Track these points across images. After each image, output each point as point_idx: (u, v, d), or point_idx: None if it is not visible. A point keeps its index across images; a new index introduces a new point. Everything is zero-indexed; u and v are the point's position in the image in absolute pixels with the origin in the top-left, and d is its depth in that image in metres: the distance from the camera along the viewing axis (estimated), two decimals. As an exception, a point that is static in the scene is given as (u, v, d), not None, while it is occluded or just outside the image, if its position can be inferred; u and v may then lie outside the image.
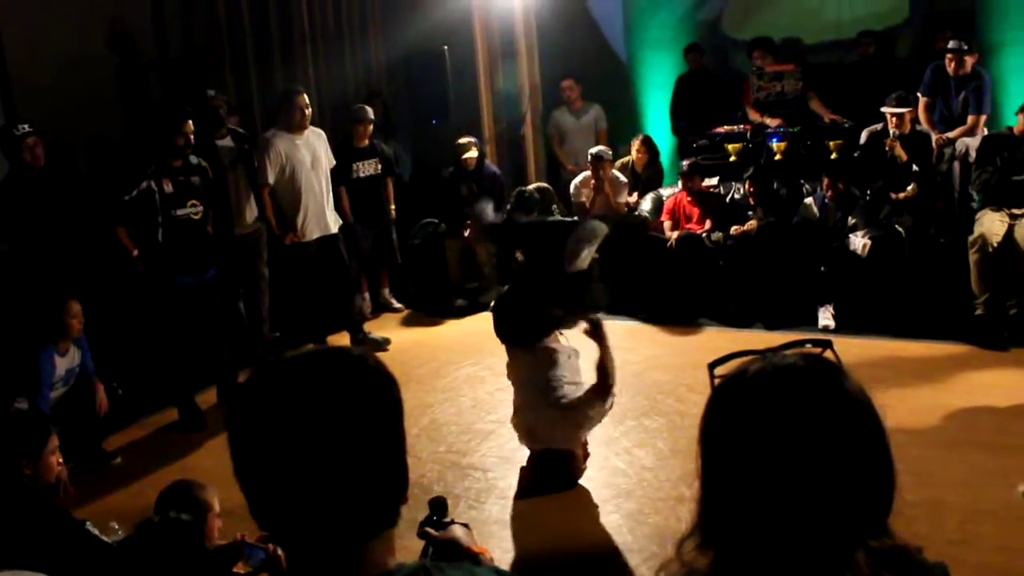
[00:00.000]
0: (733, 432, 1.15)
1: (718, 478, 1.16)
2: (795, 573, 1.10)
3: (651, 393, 5.51)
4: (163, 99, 8.15)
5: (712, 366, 1.41)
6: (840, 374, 1.16)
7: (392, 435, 1.18)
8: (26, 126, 5.56)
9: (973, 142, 6.67)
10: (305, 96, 6.45)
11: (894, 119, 6.61)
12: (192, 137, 5.61)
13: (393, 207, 7.58)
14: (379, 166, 7.41)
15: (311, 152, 6.44)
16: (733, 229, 6.95)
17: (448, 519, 1.91)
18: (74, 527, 3.15)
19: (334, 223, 6.64)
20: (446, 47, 8.73)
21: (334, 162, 6.77)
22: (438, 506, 1.96)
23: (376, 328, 7.21)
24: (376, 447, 1.15)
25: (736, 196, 7.39)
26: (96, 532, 3.16)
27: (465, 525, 1.87)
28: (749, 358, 1.21)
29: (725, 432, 1.16)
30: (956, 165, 6.84)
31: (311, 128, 6.52)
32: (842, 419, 1.11)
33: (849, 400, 1.13)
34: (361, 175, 7.29)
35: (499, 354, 6.39)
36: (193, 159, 5.71)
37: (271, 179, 6.36)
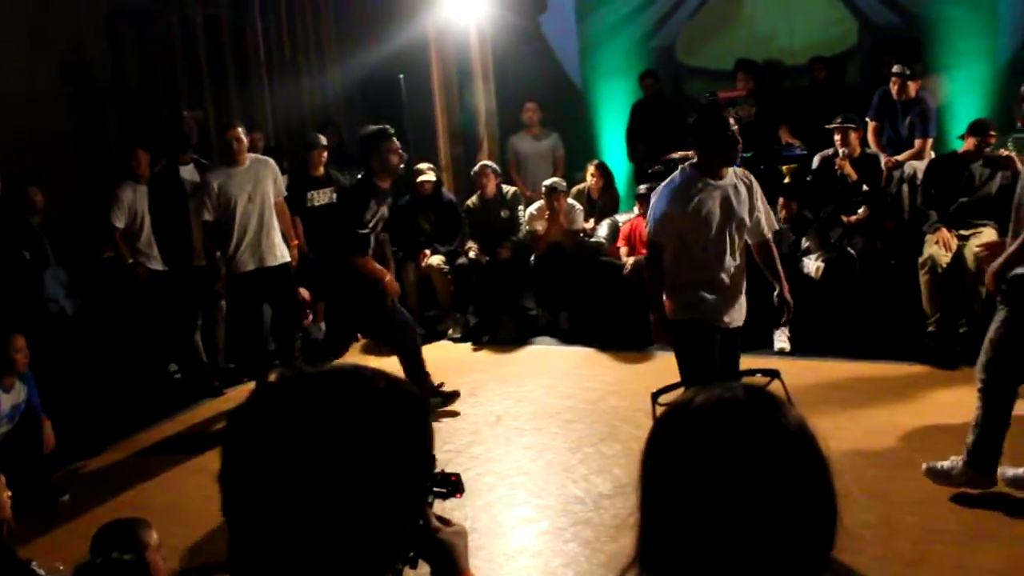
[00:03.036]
0: (672, 464, 1.13)
1: (657, 509, 1.14)
2: None
3: (609, 420, 5.50)
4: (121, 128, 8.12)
5: (655, 395, 1.38)
6: (781, 408, 1.15)
7: (421, 472, 1.08)
8: None
9: (921, 165, 6.79)
10: (238, 129, 6.21)
11: (839, 137, 6.73)
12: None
13: (349, 236, 7.54)
14: (333, 195, 7.37)
15: (251, 183, 6.16)
16: (689, 254, 6.98)
17: (438, 471, 1.59)
18: (19, 567, 3.07)
19: (277, 255, 6.25)
20: (402, 75, 8.75)
21: (284, 192, 6.50)
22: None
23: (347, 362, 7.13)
24: (398, 487, 1.04)
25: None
26: (42, 572, 3.07)
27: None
28: (692, 388, 1.21)
29: (664, 464, 1.15)
30: (905, 188, 6.94)
31: (256, 158, 6.29)
32: (780, 455, 1.10)
33: (789, 435, 1.12)
34: (316, 204, 7.25)
35: (456, 382, 6.41)
36: None
37: (209, 215, 6.13)
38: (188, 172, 6.53)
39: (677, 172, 4.23)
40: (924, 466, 4.19)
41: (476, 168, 7.80)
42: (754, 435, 1.11)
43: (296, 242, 6.63)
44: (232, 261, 6.14)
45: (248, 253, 6.15)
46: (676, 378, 4.10)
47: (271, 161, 6.44)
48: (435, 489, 1.47)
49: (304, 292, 6.77)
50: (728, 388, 1.18)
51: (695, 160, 4.22)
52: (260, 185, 6.20)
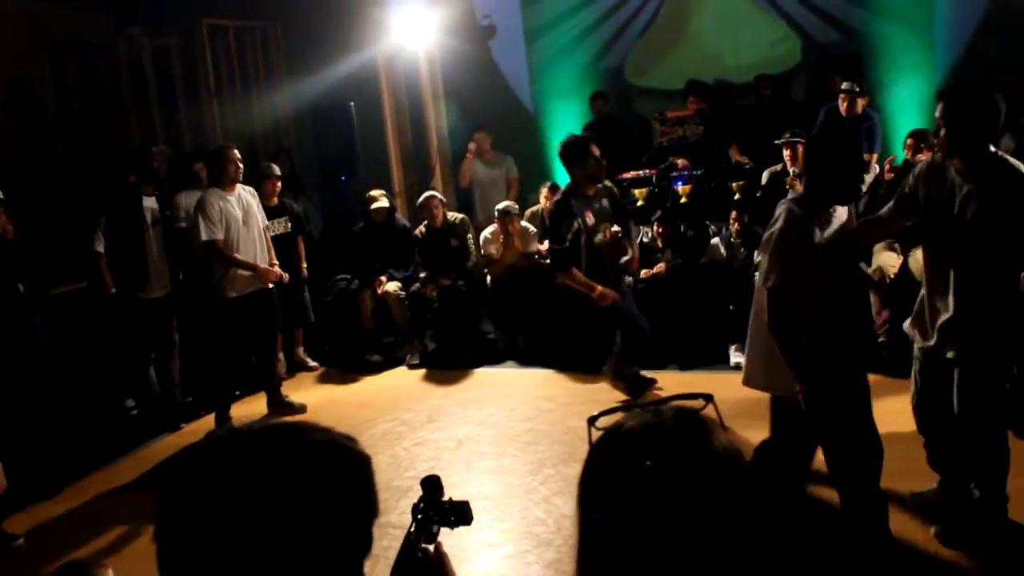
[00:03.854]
0: (604, 489, 1.16)
1: (593, 532, 1.17)
2: None
3: (569, 440, 5.51)
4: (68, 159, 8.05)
5: (592, 420, 1.38)
6: (709, 431, 1.18)
7: (361, 533, 1.07)
8: None
9: (867, 179, 6.92)
10: (236, 151, 6.26)
11: (788, 152, 6.85)
12: None
13: (305, 265, 7.53)
14: (289, 224, 7.36)
15: (243, 208, 6.24)
16: (643, 272, 7.06)
17: (446, 500, 1.60)
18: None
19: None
20: (352, 103, 8.76)
21: (266, 222, 6.57)
22: (433, 486, 1.59)
23: (292, 388, 7.09)
24: (342, 548, 1.03)
25: (645, 239, 7.52)
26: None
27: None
28: (625, 413, 1.23)
29: (597, 488, 1.17)
30: (852, 201, 7.07)
31: (242, 186, 6.32)
32: (706, 477, 1.13)
33: (714, 458, 1.15)
34: (271, 234, 7.21)
35: (415, 409, 6.40)
36: None
37: (220, 234, 6.11)
38: (150, 203, 6.53)
39: (786, 210, 3.56)
40: (932, 530, 3.95)
41: (421, 199, 7.80)
42: (680, 458, 1.14)
43: (276, 264, 6.60)
44: (226, 284, 6.19)
45: (246, 278, 6.23)
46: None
47: (254, 190, 6.48)
48: (447, 518, 1.49)
49: None
50: (658, 412, 1.21)
51: (803, 192, 3.62)
52: (250, 210, 6.30)
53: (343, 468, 1.07)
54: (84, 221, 6.81)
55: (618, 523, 1.13)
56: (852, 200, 3.71)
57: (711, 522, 1.11)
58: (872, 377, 5.84)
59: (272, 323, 6.57)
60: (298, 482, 1.01)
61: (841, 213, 3.65)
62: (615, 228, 5.99)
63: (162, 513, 1.03)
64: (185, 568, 1.01)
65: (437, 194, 7.91)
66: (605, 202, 6.05)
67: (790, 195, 3.66)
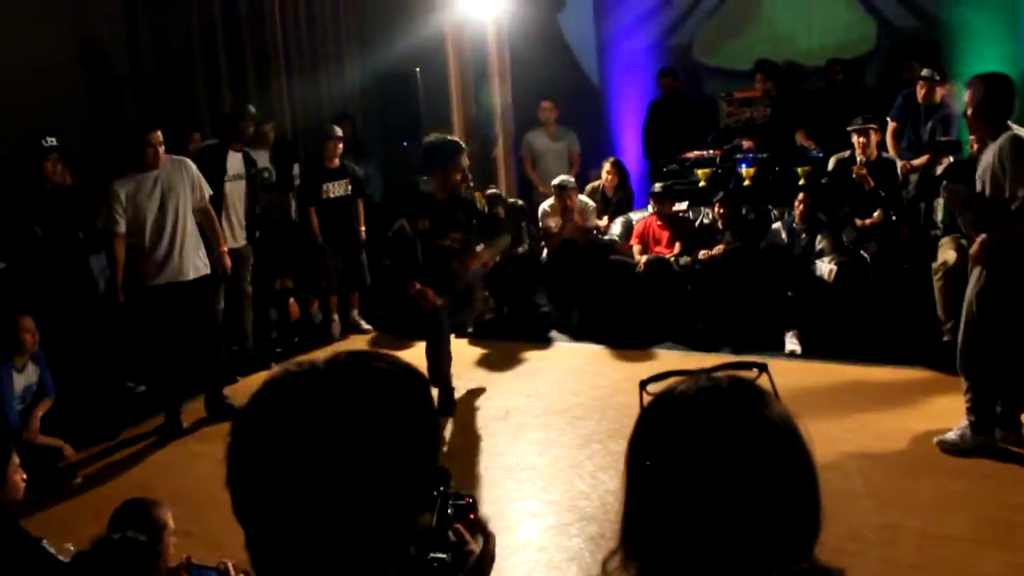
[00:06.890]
0: (654, 452, 1.15)
1: (641, 496, 1.16)
2: None
3: (617, 417, 5.49)
4: (136, 116, 8.19)
5: (644, 384, 1.36)
6: (764, 400, 1.16)
7: (425, 462, 1.06)
8: (53, 140, 5.38)
9: (938, 170, 6.75)
10: (158, 133, 5.55)
11: (860, 141, 6.68)
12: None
13: (363, 228, 7.58)
14: (349, 187, 7.41)
15: (161, 190, 5.56)
16: (701, 253, 6.99)
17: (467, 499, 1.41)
18: (30, 545, 3.10)
19: (192, 269, 5.69)
20: (418, 69, 8.77)
21: (208, 192, 5.86)
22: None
23: (345, 349, 7.13)
24: (403, 480, 1.01)
25: (705, 221, 7.44)
26: (52, 551, 3.11)
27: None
28: (680, 378, 1.21)
29: (647, 451, 1.16)
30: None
31: (172, 159, 5.67)
32: (761, 445, 1.11)
33: (770, 426, 1.13)
34: (331, 196, 7.28)
35: (466, 377, 6.42)
36: None
37: (122, 228, 5.49)
38: (235, 159, 6.58)
39: None
40: (935, 440, 4.73)
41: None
42: (734, 424, 1.12)
43: (225, 248, 6.06)
44: (141, 271, 5.63)
45: (157, 267, 5.61)
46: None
47: (186, 161, 5.82)
48: (453, 503, 1.40)
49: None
50: (712, 378, 1.19)
51: None
52: (173, 189, 5.62)
53: (409, 394, 1.06)
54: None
55: (666, 485, 1.12)
56: None
57: (763, 490, 1.09)
58: (930, 374, 5.79)
59: (202, 317, 5.86)
60: (368, 414, 1.00)
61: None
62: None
63: (235, 455, 1.02)
64: (259, 509, 1.00)
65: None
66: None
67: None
